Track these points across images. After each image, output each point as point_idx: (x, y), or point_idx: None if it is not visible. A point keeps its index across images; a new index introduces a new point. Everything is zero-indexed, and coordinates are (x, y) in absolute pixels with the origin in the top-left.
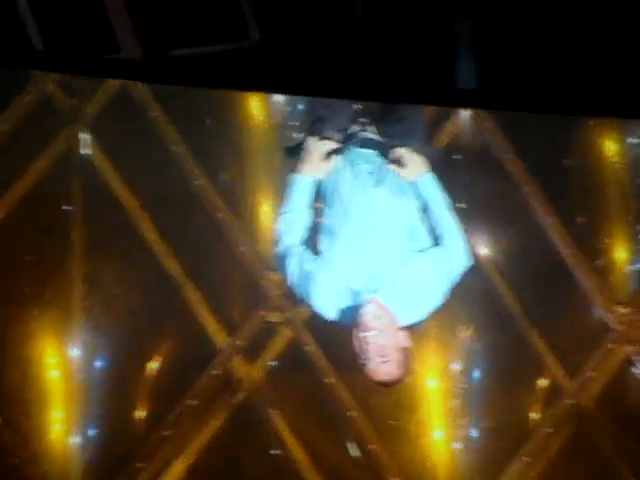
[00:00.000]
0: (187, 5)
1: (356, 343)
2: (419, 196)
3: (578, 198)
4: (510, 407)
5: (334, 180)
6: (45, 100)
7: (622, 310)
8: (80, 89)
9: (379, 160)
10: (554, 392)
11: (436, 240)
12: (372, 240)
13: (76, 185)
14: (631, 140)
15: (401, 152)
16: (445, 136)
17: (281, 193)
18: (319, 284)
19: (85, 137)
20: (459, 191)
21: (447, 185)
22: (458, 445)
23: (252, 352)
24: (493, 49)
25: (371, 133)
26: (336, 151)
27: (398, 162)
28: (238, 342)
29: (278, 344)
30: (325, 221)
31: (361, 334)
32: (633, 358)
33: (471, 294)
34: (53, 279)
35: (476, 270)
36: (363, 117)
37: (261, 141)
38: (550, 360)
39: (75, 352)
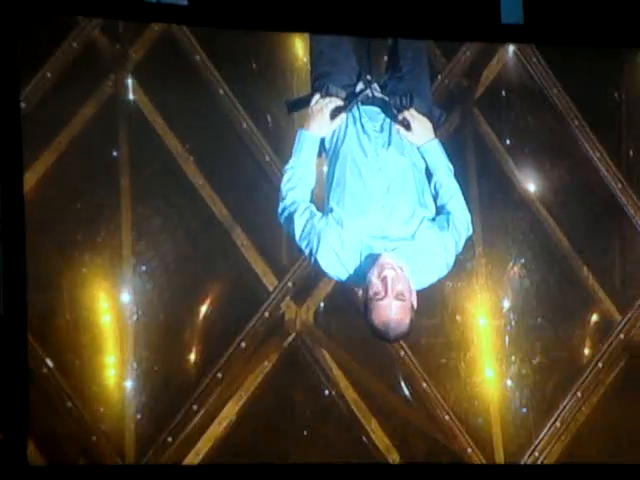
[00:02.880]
0: None
1: (373, 281)
2: (424, 161)
3: (627, 132)
4: (561, 343)
5: (341, 137)
6: (89, 46)
7: None
8: (124, 34)
9: (385, 119)
10: (605, 327)
11: (439, 208)
12: (383, 201)
13: (123, 131)
14: None
15: (408, 115)
16: (489, 72)
17: None
18: (328, 242)
19: (130, 82)
20: (505, 128)
21: (492, 122)
22: (510, 382)
23: (302, 293)
24: None
25: (376, 91)
26: (342, 108)
27: (405, 125)
28: (287, 284)
29: (327, 285)
30: (334, 178)
31: (383, 272)
32: None
33: (519, 231)
34: (103, 225)
35: (524, 207)
36: (368, 74)
37: (307, 83)
38: (601, 295)
39: (126, 297)
